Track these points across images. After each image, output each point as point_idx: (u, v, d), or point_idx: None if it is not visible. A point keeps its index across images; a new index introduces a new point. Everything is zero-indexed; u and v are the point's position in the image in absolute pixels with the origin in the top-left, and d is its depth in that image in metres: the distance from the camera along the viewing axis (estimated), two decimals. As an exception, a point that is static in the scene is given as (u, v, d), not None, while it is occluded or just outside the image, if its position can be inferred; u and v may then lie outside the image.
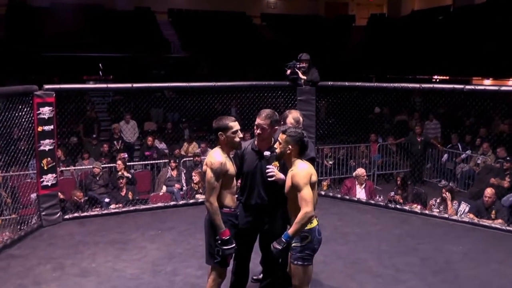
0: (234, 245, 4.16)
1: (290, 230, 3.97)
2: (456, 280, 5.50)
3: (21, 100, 6.76)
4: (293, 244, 4.03)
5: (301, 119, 4.77)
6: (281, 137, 4.08)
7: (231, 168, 4.18)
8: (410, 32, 21.99)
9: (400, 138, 12.57)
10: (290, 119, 4.74)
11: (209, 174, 4.09)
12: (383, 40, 22.95)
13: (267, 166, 4.37)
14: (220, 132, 4.17)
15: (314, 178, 4.03)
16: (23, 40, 18.29)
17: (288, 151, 4.05)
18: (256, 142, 4.54)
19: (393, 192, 9.08)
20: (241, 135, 4.25)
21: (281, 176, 4.36)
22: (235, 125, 4.19)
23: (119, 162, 9.60)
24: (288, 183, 4.03)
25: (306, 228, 3.99)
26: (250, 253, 4.76)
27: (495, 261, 6.04)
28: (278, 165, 4.40)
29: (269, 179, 4.35)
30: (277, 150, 4.11)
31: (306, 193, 3.93)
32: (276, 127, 4.53)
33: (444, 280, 5.49)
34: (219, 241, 4.13)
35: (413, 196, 8.97)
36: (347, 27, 26.62)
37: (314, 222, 4.07)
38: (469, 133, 12.70)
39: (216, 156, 4.12)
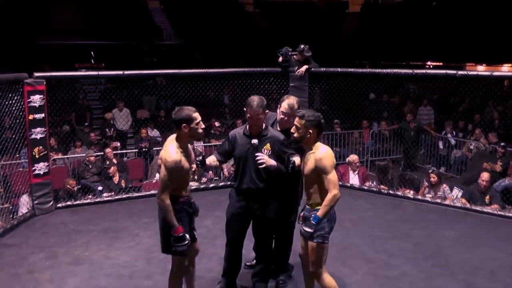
0: (187, 241, 4.07)
1: (320, 212, 4.01)
2: (447, 265, 5.54)
3: (11, 88, 6.71)
4: (312, 222, 4.07)
5: (296, 105, 4.72)
6: (299, 122, 4.05)
7: (186, 163, 4.06)
8: (404, 19, 21.96)
9: (393, 124, 12.59)
10: (284, 105, 4.71)
11: (163, 171, 4.00)
12: (376, 26, 22.91)
13: (256, 154, 4.36)
14: (184, 124, 4.01)
15: (334, 161, 4.09)
16: (15, 28, 18.12)
17: (308, 136, 4.05)
18: (247, 127, 4.53)
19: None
20: (203, 126, 4.14)
21: (272, 162, 4.37)
22: (198, 116, 4.07)
23: (108, 150, 9.57)
24: (310, 166, 4.03)
25: None
26: (243, 239, 4.77)
27: (486, 245, 6.09)
28: (270, 148, 4.44)
29: (259, 166, 4.34)
30: (295, 135, 4.09)
31: (333, 176, 4.00)
32: (267, 111, 4.52)
33: (436, 264, 5.53)
34: (172, 239, 4.07)
35: (398, 181, 8.99)
36: (340, 13, 26.53)
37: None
38: (462, 119, 12.73)
39: (171, 153, 3.98)
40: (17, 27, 18.17)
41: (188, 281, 4.53)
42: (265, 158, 4.33)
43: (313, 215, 4.06)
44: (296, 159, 4.36)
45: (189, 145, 4.22)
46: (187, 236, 4.08)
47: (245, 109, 4.45)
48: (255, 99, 4.39)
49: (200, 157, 4.57)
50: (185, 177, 4.16)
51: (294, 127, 4.11)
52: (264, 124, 4.53)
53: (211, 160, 4.68)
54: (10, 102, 6.69)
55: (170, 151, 3.99)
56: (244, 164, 4.52)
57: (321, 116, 4.11)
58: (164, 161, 3.99)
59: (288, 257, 5.14)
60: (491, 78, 7.59)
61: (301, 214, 4.28)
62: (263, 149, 4.44)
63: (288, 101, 4.73)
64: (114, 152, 10.03)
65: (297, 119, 4.08)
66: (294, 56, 8.39)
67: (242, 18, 24.20)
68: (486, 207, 7.45)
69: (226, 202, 4.83)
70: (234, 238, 4.72)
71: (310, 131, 4.03)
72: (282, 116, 4.71)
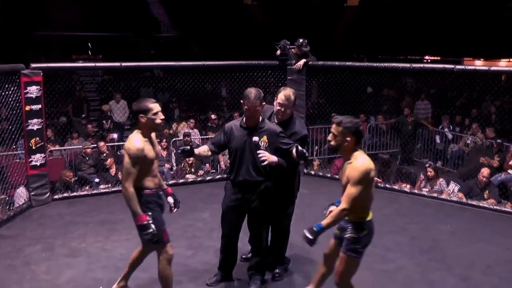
0: (151, 230, 4.05)
1: (324, 222, 3.84)
2: (444, 259, 5.55)
3: (8, 79, 6.68)
4: (348, 235, 3.95)
5: (292, 97, 4.71)
6: (336, 129, 3.82)
7: (150, 152, 4.09)
8: (402, 13, 21.91)
9: (391, 118, 12.58)
10: (281, 96, 4.70)
11: (126, 159, 4.01)
12: (374, 20, 22.86)
13: (258, 152, 4.36)
14: (141, 115, 4.04)
15: (373, 173, 3.87)
16: (12, 20, 18.03)
17: (346, 144, 3.81)
18: (244, 120, 4.53)
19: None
20: (162, 117, 4.13)
21: (273, 158, 4.38)
22: (156, 107, 4.08)
23: (101, 144, 9.55)
24: (346, 176, 3.84)
25: (366, 219, 3.93)
26: (238, 231, 4.77)
27: (482, 240, 6.11)
28: (267, 140, 4.43)
29: (262, 164, 4.35)
30: (332, 143, 3.86)
31: (354, 191, 3.76)
32: (264, 104, 4.52)
33: (432, 258, 5.55)
34: (137, 227, 4.10)
35: (395, 176, 8.99)
36: (339, 7, 26.47)
37: (370, 215, 3.96)
38: (459, 114, 12.73)
39: (134, 142, 4.02)
40: (15, 19, 18.08)
41: (131, 266, 4.57)
42: (266, 154, 4.34)
43: (349, 228, 3.95)
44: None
45: (153, 136, 4.24)
46: (152, 225, 4.06)
47: (242, 101, 4.44)
48: (252, 91, 4.39)
49: (188, 147, 4.57)
50: (150, 167, 4.16)
51: (330, 134, 3.88)
52: (261, 117, 4.52)
53: (202, 150, 4.71)
54: (7, 93, 6.67)
55: (133, 140, 4.05)
56: (240, 156, 4.50)
57: (360, 122, 3.89)
58: (127, 150, 4.03)
59: (285, 249, 5.15)
60: (488, 73, 7.59)
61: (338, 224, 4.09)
62: (260, 142, 4.44)
63: (285, 92, 4.72)
64: (111, 144, 10.01)
65: (334, 125, 3.84)
66: (292, 50, 8.39)
67: (240, 11, 24.13)
68: (482, 201, 7.46)
69: (223, 195, 4.81)
70: (230, 230, 4.72)
71: (348, 138, 3.78)
72: (278, 108, 4.70)
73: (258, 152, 4.36)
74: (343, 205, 3.80)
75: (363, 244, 3.96)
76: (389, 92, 15.58)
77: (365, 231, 3.93)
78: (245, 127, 4.51)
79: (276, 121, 4.73)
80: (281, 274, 5.06)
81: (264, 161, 4.32)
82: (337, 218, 3.85)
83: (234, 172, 4.57)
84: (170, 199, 4.50)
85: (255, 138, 4.44)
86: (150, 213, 4.09)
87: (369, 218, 3.94)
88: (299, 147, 4.32)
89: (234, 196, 4.60)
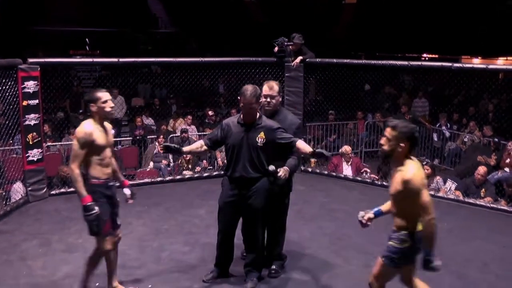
0: (95, 211, 4.12)
1: (424, 247, 3.62)
2: (440, 256, 5.51)
3: (5, 73, 6.66)
4: (390, 242, 3.80)
5: (275, 86, 4.73)
6: (390, 133, 3.59)
7: (99, 138, 4.18)
8: (400, 10, 21.87)
9: (389, 115, 12.58)
10: (265, 88, 4.69)
11: (74, 142, 4.17)
12: (373, 17, 22.82)
13: (273, 169, 4.46)
14: (91, 104, 4.23)
15: (425, 180, 3.70)
16: (10, 14, 17.96)
17: (400, 149, 3.58)
18: (242, 116, 4.53)
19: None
20: (111, 104, 4.27)
21: (287, 170, 4.54)
22: (104, 96, 4.22)
23: None
24: (397, 187, 3.61)
25: (413, 230, 3.68)
26: (235, 228, 4.77)
27: (479, 238, 6.12)
28: (264, 137, 4.44)
29: (282, 179, 4.50)
30: (385, 148, 3.64)
31: (426, 199, 3.52)
32: (260, 101, 4.53)
33: (429, 256, 5.55)
34: (82, 208, 4.18)
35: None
36: (337, 4, 26.40)
37: (419, 227, 3.66)
38: (456, 112, 12.75)
39: (84, 126, 4.16)
40: (13, 13, 18.01)
41: (108, 265, 4.57)
42: (283, 173, 4.47)
43: (394, 236, 3.77)
44: (287, 165, 4.56)
45: (107, 125, 4.35)
46: (96, 207, 4.13)
47: (239, 97, 4.46)
48: (248, 88, 4.41)
49: (173, 145, 4.74)
50: (99, 154, 4.22)
51: (384, 138, 3.65)
52: (258, 113, 4.53)
53: (194, 146, 4.83)
54: (4, 87, 6.65)
55: (83, 125, 4.20)
56: (237, 152, 4.50)
57: (416, 128, 3.70)
58: (76, 133, 4.18)
59: (281, 245, 5.14)
60: (486, 71, 7.60)
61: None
62: (257, 138, 4.45)
63: (268, 84, 4.76)
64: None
65: (388, 129, 3.61)
66: (290, 47, 8.39)
67: (238, 8, 24.06)
68: (479, 199, 7.48)
69: (220, 191, 4.81)
70: (226, 226, 4.73)
71: (402, 144, 3.57)
72: (264, 99, 4.67)
73: (274, 170, 4.45)
74: (426, 217, 3.53)
75: (403, 256, 3.77)
76: (390, 89, 15.58)
77: (407, 243, 3.70)
78: (242, 124, 4.51)
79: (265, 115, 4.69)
80: (277, 271, 5.05)
81: (283, 177, 4.47)
82: (428, 233, 3.58)
83: (231, 168, 4.58)
84: (127, 191, 4.60)
85: (272, 167, 4.50)
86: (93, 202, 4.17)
87: (416, 229, 3.67)
88: (318, 150, 4.41)
89: (231, 192, 4.60)
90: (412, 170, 3.54)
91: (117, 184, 4.56)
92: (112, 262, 4.54)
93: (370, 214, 4.09)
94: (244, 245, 4.91)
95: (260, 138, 4.44)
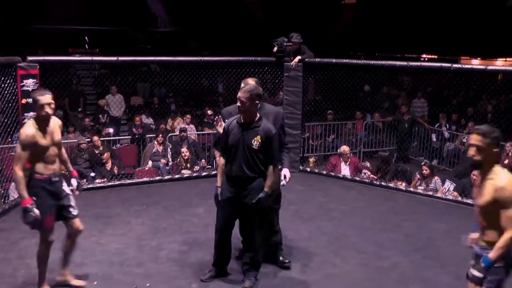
0: (33, 214, 4.19)
1: (492, 255, 3.32)
2: (438, 257, 5.57)
3: (4, 71, 6.65)
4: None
5: (250, 81, 4.79)
6: (481, 141, 3.34)
7: (42, 139, 4.26)
8: (400, 11, 21.89)
9: (388, 116, 12.60)
10: (239, 93, 4.70)
11: (18, 145, 4.26)
12: (372, 18, 22.84)
13: (284, 184, 4.81)
14: (34, 105, 4.32)
15: None
16: (9, 12, 17.93)
17: (491, 157, 3.34)
18: (241, 116, 4.52)
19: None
20: (51, 107, 4.30)
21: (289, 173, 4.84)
22: (43, 99, 4.24)
23: (95, 138, 9.54)
24: (487, 197, 3.33)
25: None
26: (232, 226, 4.78)
27: (477, 238, 6.11)
28: (260, 140, 4.41)
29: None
30: (478, 158, 3.35)
31: None
32: (257, 101, 4.45)
33: (427, 256, 5.56)
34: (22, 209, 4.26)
35: (392, 174, 9.00)
36: (336, 4, 26.41)
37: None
38: (455, 112, 12.76)
39: (25, 129, 4.22)
40: (12, 12, 17.97)
41: (65, 255, 4.75)
42: (287, 178, 4.80)
43: (484, 255, 3.41)
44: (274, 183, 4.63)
45: (51, 125, 4.40)
46: (35, 209, 4.20)
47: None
48: (249, 83, 4.56)
49: (218, 192, 4.68)
50: (42, 154, 4.31)
51: (473, 148, 3.39)
52: (258, 115, 4.51)
53: (222, 169, 4.68)
54: (3, 85, 6.64)
55: (25, 127, 4.27)
56: (235, 152, 4.50)
57: (498, 130, 3.44)
58: (19, 136, 4.26)
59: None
60: (485, 71, 7.60)
61: (473, 251, 3.66)
62: (253, 140, 4.43)
63: (243, 81, 4.88)
64: (107, 138, 9.99)
65: (477, 137, 3.36)
66: (289, 47, 8.40)
67: (238, 7, 24.04)
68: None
69: None
70: (224, 224, 4.72)
71: (495, 150, 3.34)
72: (239, 105, 4.49)
73: (282, 184, 4.77)
74: (509, 232, 3.25)
75: (501, 277, 3.40)
76: (389, 90, 15.58)
77: (500, 262, 3.34)
78: (240, 124, 4.51)
79: (242, 121, 4.55)
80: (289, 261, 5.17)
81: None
82: (505, 246, 3.28)
83: (228, 167, 4.59)
84: (74, 182, 4.77)
85: (283, 182, 4.78)
86: (35, 198, 4.25)
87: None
88: (263, 195, 4.48)
89: (229, 191, 4.60)
90: (505, 177, 3.29)
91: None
92: (68, 252, 4.75)
93: (473, 235, 3.74)
94: (243, 244, 4.91)
95: (256, 141, 4.42)
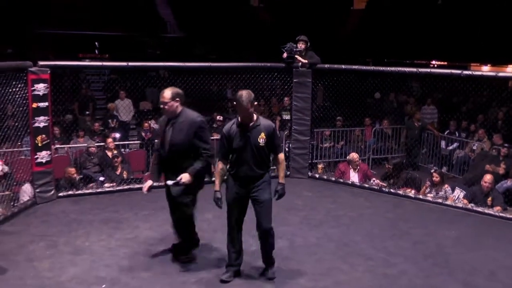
0: None
1: None
2: (447, 265, 5.53)
3: (15, 76, 6.70)
4: None
5: (166, 93, 5.10)
6: None
7: None
8: (409, 17, 21.86)
9: (396, 122, 12.57)
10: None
11: None
12: (381, 24, 22.83)
13: (172, 182, 4.98)
14: None
15: None
16: (19, 17, 18.08)
17: None
18: (240, 119, 4.79)
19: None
20: None
21: (189, 177, 4.97)
22: None
23: (109, 140, 9.59)
24: None
25: None
26: (241, 224, 5.00)
27: (486, 246, 6.08)
28: (264, 137, 4.72)
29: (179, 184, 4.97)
30: None
31: None
32: (256, 103, 4.88)
33: (435, 264, 5.53)
34: None
35: (404, 181, 8.95)
36: (345, 10, 26.45)
37: None
38: (465, 119, 12.69)
39: None
40: (23, 16, 18.13)
41: None
42: (184, 179, 4.94)
43: None
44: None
45: None
46: None
47: (234, 103, 4.85)
48: (243, 94, 4.71)
49: (219, 196, 4.95)
50: None
51: None
52: (255, 115, 4.82)
53: (220, 175, 4.97)
54: (14, 90, 6.69)
55: None
56: (241, 153, 4.76)
57: None
58: None
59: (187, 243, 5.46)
60: (496, 78, 7.56)
61: None
62: (258, 138, 4.72)
63: (162, 92, 5.16)
64: (115, 143, 10.03)
65: None
66: (299, 45, 8.43)
67: (247, 13, 24.13)
68: (488, 208, 7.41)
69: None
70: (235, 222, 4.95)
71: None
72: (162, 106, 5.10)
73: (180, 182, 4.94)
74: None
75: None
76: (397, 96, 15.51)
77: None
78: (242, 127, 4.78)
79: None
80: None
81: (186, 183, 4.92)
82: None
83: (235, 168, 4.85)
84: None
85: (169, 182, 4.97)
86: None
87: None
88: (280, 188, 4.93)
89: (237, 190, 4.86)
90: None
91: None
92: None
93: None
94: (260, 240, 5.02)
95: (262, 138, 4.73)
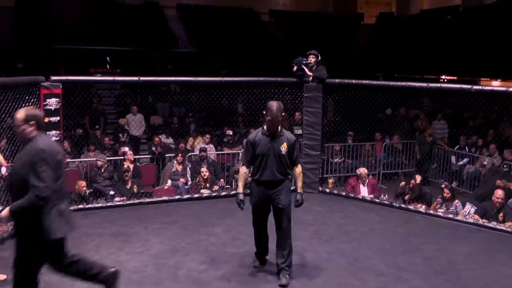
0: None
1: None
2: (458, 281, 5.48)
3: (28, 91, 6.77)
4: None
5: (17, 116, 4.09)
6: None
7: None
8: (419, 32, 21.88)
9: (406, 137, 12.54)
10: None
11: None
12: (391, 39, 22.86)
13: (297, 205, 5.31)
14: None
15: None
16: (30, 32, 18.29)
17: None
18: (266, 127, 5.18)
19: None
20: None
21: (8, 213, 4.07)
22: None
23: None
24: None
25: None
26: (266, 221, 5.35)
27: (498, 262, 6.02)
28: (286, 146, 5.12)
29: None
30: None
31: None
32: (283, 114, 5.24)
33: (447, 280, 5.48)
34: None
35: (415, 196, 8.90)
36: (355, 25, 26.53)
37: None
38: (475, 134, 12.63)
39: None
40: (35, 32, 18.34)
41: None
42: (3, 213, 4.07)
43: None
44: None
45: None
46: None
47: (264, 112, 5.14)
48: (274, 104, 5.08)
49: (240, 199, 5.20)
50: None
51: None
52: (279, 127, 5.18)
53: (244, 178, 5.32)
54: (27, 104, 6.75)
55: None
56: (266, 159, 5.13)
57: None
58: None
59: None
60: (507, 93, 7.54)
61: None
62: (281, 147, 5.11)
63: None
64: (120, 157, 10.08)
65: None
66: (309, 59, 8.48)
67: (258, 28, 24.26)
68: (499, 224, 7.35)
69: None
70: (259, 220, 5.33)
71: None
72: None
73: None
74: None
75: None
76: (407, 111, 15.48)
77: None
78: (267, 135, 5.16)
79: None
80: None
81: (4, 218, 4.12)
82: None
83: (259, 173, 5.20)
84: (3, 169, 5.09)
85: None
86: None
87: None
88: (299, 198, 5.34)
89: (260, 193, 5.21)
90: None
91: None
92: None
93: None
94: (277, 243, 5.27)
95: (284, 147, 5.13)
